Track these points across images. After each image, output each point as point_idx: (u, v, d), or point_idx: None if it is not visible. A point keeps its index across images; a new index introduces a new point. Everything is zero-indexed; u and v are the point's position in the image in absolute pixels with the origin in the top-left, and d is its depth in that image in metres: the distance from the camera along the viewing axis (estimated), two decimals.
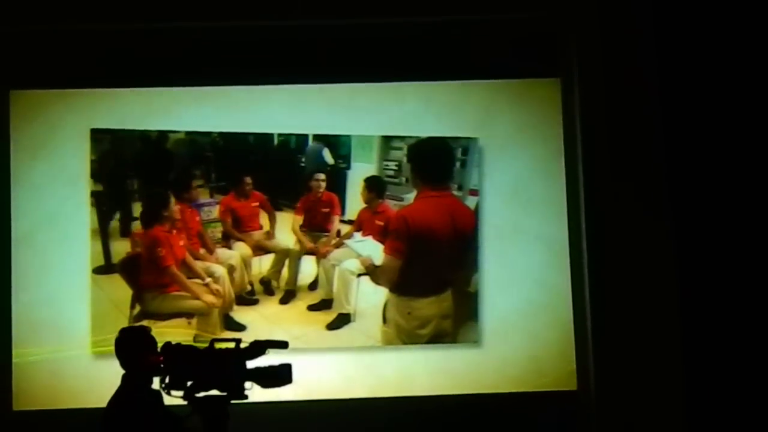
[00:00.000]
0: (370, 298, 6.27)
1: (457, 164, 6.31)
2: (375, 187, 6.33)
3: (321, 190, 6.37)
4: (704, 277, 6.03)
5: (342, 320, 6.27)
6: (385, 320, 6.22)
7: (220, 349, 4.14)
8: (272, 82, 6.27)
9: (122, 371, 4.28)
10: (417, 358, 6.14)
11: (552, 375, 6.13)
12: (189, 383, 4.07)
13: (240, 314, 6.25)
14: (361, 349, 6.16)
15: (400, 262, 6.14)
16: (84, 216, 6.13)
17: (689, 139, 6.08)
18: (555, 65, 6.33)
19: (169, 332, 5.87)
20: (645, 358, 5.97)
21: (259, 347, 4.14)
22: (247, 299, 6.30)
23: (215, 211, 6.36)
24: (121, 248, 6.20)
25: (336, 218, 6.39)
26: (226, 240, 6.37)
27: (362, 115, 6.29)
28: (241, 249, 6.38)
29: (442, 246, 6.19)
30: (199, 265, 6.25)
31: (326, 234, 6.39)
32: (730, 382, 5.95)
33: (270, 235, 6.41)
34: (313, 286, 6.35)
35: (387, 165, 6.33)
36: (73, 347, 6.04)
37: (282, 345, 4.18)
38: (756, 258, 6.06)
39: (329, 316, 6.27)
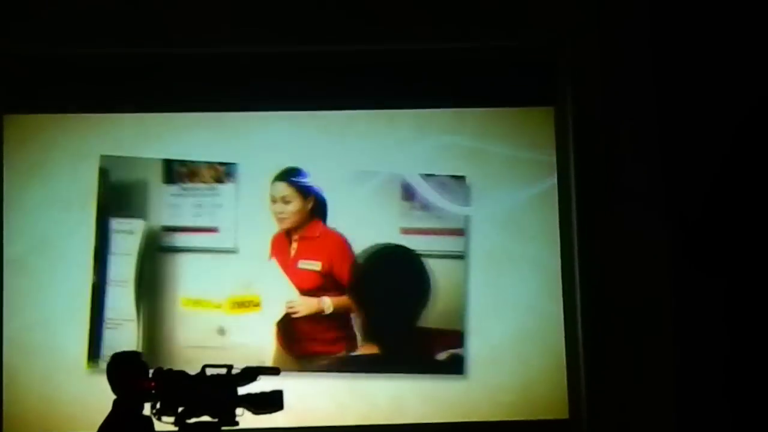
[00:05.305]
0: None
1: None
2: None
3: None
4: (700, 304, 5.99)
5: None
6: None
7: (212, 374, 4.14)
8: (266, 108, 6.29)
9: (114, 396, 4.27)
10: (409, 385, 6.12)
11: (543, 403, 6.12)
12: (180, 409, 4.07)
13: None
14: (353, 375, 6.15)
15: None
16: (78, 240, 6.13)
17: (687, 169, 6.05)
18: (550, 94, 6.36)
19: None
20: (638, 386, 5.95)
21: (251, 373, 4.15)
22: None
23: None
24: None
25: None
26: None
27: (355, 143, 6.30)
28: None
29: None
30: None
31: None
32: (725, 413, 5.93)
33: None
34: None
35: None
36: (66, 372, 6.02)
37: (273, 371, 4.18)
38: (758, 286, 6.02)
39: None
